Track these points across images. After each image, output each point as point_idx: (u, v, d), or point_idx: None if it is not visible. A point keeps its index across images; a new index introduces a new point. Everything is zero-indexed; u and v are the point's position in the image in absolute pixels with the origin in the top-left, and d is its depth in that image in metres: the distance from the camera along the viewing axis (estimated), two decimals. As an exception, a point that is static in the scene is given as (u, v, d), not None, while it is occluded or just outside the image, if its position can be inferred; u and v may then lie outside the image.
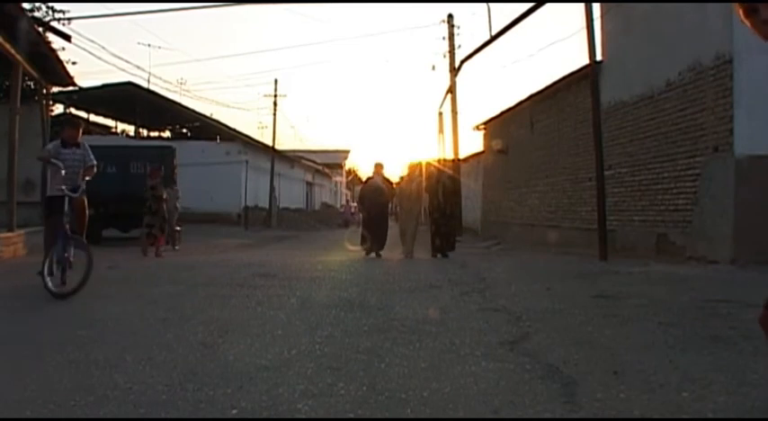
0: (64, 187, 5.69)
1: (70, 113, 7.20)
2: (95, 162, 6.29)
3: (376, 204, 11.21)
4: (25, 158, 11.13)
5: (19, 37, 9.53)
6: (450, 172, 11.82)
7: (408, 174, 11.55)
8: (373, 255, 10.73)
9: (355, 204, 23.02)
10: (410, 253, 10.58)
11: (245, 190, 27.99)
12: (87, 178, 6.10)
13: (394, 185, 11.93)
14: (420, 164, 11.65)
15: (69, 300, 5.33)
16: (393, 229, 11.80)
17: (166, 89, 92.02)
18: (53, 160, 5.86)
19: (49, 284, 5.23)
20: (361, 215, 12.34)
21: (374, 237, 10.93)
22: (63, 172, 5.77)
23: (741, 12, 1.73)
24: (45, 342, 3.61)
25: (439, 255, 10.49)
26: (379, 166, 11.83)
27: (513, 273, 7.63)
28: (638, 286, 6.04)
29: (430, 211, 11.14)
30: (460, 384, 2.77)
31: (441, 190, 10.85)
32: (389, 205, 12.46)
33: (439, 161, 11.85)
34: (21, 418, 2.35)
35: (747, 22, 1.73)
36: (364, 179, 13.25)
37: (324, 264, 8.43)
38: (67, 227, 5.59)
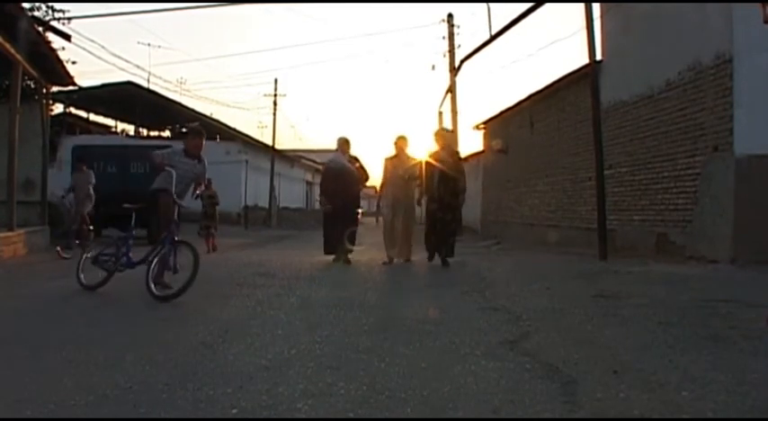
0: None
1: (193, 125, 6.84)
2: (208, 177, 6.19)
3: (341, 193, 8.59)
4: (25, 158, 11.16)
5: (19, 36, 9.54)
6: (450, 146, 8.83)
7: (396, 154, 8.79)
8: (345, 259, 8.49)
9: None
10: (404, 256, 8.59)
11: (244, 189, 28.01)
12: (198, 192, 6.13)
13: (366, 169, 9.03)
14: (404, 139, 8.85)
15: (69, 301, 5.34)
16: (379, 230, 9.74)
17: (166, 89, 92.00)
18: (167, 167, 5.72)
19: (153, 288, 5.20)
20: (324, 210, 9.13)
21: (338, 236, 8.54)
22: (174, 177, 5.66)
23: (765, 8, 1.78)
24: (45, 342, 3.61)
25: (442, 260, 8.22)
26: (344, 143, 8.88)
27: (512, 272, 7.63)
28: (638, 286, 6.04)
29: (428, 202, 8.55)
30: (460, 383, 2.77)
31: (437, 173, 8.20)
32: (359, 195, 9.25)
33: (436, 135, 8.70)
34: (21, 418, 2.35)
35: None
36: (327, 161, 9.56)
37: (323, 264, 8.43)
38: (176, 237, 5.51)
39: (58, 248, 9.83)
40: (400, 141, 8.81)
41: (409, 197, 8.76)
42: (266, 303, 5.03)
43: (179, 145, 6.11)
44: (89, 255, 5.97)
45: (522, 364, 3.08)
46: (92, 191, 10.90)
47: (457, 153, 8.81)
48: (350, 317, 4.48)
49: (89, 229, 10.67)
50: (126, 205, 6.04)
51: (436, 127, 9.82)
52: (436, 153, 8.39)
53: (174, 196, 5.59)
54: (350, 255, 8.66)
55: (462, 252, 9.22)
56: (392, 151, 8.85)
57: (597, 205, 9.46)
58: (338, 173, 8.68)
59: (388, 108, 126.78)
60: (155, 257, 5.47)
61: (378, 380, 2.82)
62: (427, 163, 8.46)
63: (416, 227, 9.12)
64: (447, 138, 8.85)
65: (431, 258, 8.43)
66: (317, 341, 3.63)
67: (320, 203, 9.48)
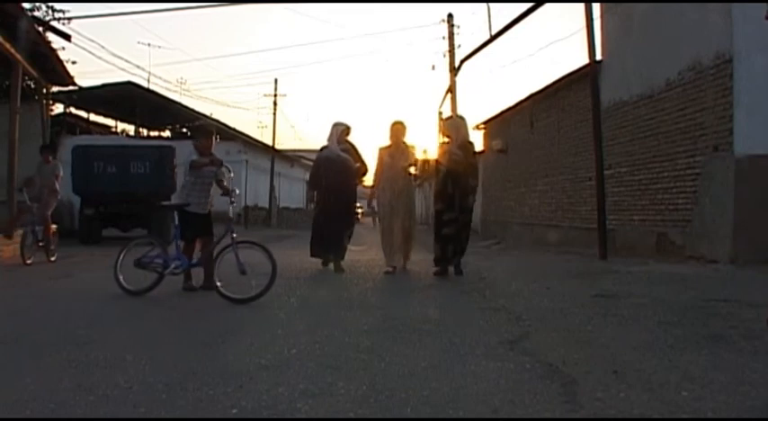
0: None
1: (200, 124, 6.38)
2: (231, 172, 5.83)
3: (335, 188, 7.36)
4: (25, 158, 11.15)
5: (19, 36, 9.54)
6: (462, 137, 7.12)
7: (393, 143, 7.40)
8: (338, 267, 7.37)
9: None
10: (401, 263, 7.32)
11: (245, 189, 28.00)
12: (231, 190, 5.67)
13: (363, 159, 7.78)
14: (401, 124, 7.47)
15: (69, 300, 5.34)
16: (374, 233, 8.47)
17: (166, 88, 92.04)
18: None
19: (223, 291, 5.11)
20: (317, 208, 7.86)
21: (330, 239, 7.37)
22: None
23: None
24: (45, 342, 3.61)
25: (455, 268, 6.96)
26: (342, 130, 7.62)
27: (512, 272, 7.63)
28: (638, 285, 6.04)
29: (434, 202, 7.32)
30: (460, 383, 2.77)
31: (445, 168, 6.91)
32: (356, 190, 8.04)
33: (445, 124, 7.40)
34: (21, 418, 2.35)
35: None
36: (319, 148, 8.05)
37: (323, 264, 8.41)
38: (234, 235, 5.36)
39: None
40: (396, 127, 7.42)
41: (409, 192, 7.55)
42: (266, 303, 5.02)
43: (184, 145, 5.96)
44: (123, 258, 5.54)
45: (522, 364, 3.08)
46: (57, 186, 9.12)
47: (470, 145, 7.27)
48: (350, 317, 4.48)
49: (53, 230, 9.21)
50: (164, 203, 5.94)
51: (447, 115, 7.74)
52: (445, 145, 7.15)
53: (233, 212, 5.49)
54: (345, 257, 7.64)
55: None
56: (387, 139, 7.52)
57: (597, 205, 9.46)
58: (332, 164, 7.40)
59: (389, 108, 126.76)
60: (215, 258, 5.32)
61: (378, 380, 2.82)
62: (438, 154, 7.25)
63: (418, 227, 7.89)
64: (459, 127, 7.24)
65: (440, 272, 6.89)
66: (316, 341, 3.63)
67: (309, 200, 8.08)
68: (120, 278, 5.45)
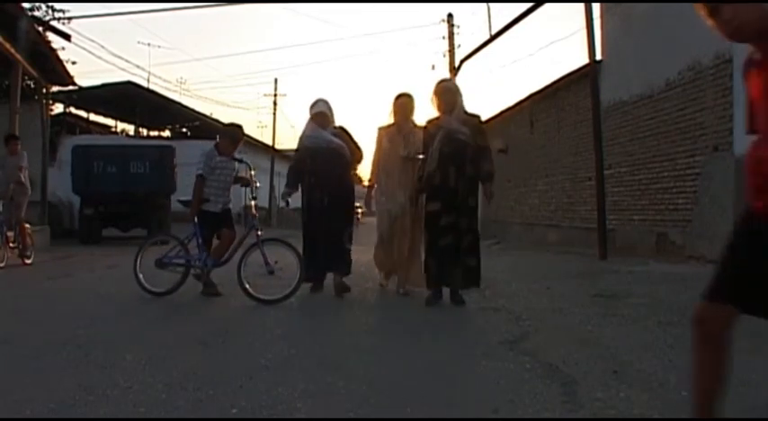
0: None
1: (232, 125, 5.53)
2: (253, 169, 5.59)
3: (327, 183, 5.54)
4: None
5: (19, 36, 9.56)
6: (460, 108, 5.03)
7: (396, 123, 5.55)
8: (340, 285, 5.56)
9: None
10: (411, 281, 5.55)
11: (244, 189, 27.98)
12: (253, 184, 5.50)
13: (358, 144, 5.86)
14: (408, 97, 5.57)
15: (68, 300, 5.34)
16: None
17: (166, 88, 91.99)
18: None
19: (251, 291, 5.04)
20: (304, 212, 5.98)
21: (321, 250, 5.55)
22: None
23: (704, 11, 1.78)
24: (45, 342, 3.61)
25: (452, 294, 5.05)
26: (320, 114, 5.64)
27: (512, 272, 7.63)
28: (638, 285, 6.04)
29: (426, 200, 5.19)
30: (460, 383, 2.77)
31: (439, 149, 4.89)
32: (353, 186, 6.02)
33: (436, 93, 5.02)
34: (21, 418, 2.35)
35: (710, 22, 1.78)
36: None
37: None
38: (259, 233, 5.20)
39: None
40: (401, 101, 5.54)
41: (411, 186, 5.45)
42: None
43: (211, 149, 5.60)
44: (142, 259, 5.41)
45: (522, 364, 3.08)
46: (24, 178, 8.24)
47: (476, 118, 5.16)
48: (350, 317, 4.48)
49: (28, 231, 8.48)
50: (181, 199, 5.78)
51: (440, 79, 5.45)
52: (437, 119, 5.05)
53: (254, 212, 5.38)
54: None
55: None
56: (389, 117, 5.63)
57: (597, 205, 9.46)
58: (320, 154, 5.55)
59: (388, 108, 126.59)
60: (245, 256, 5.16)
61: (378, 380, 2.82)
62: (425, 134, 5.13)
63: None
64: (457, 94, 5.07)
65: (434, 299, 5.01)
66: (316, 341, 3.63)
67: (285, 202, 6.00)
68: (141, 278, 5.34)
